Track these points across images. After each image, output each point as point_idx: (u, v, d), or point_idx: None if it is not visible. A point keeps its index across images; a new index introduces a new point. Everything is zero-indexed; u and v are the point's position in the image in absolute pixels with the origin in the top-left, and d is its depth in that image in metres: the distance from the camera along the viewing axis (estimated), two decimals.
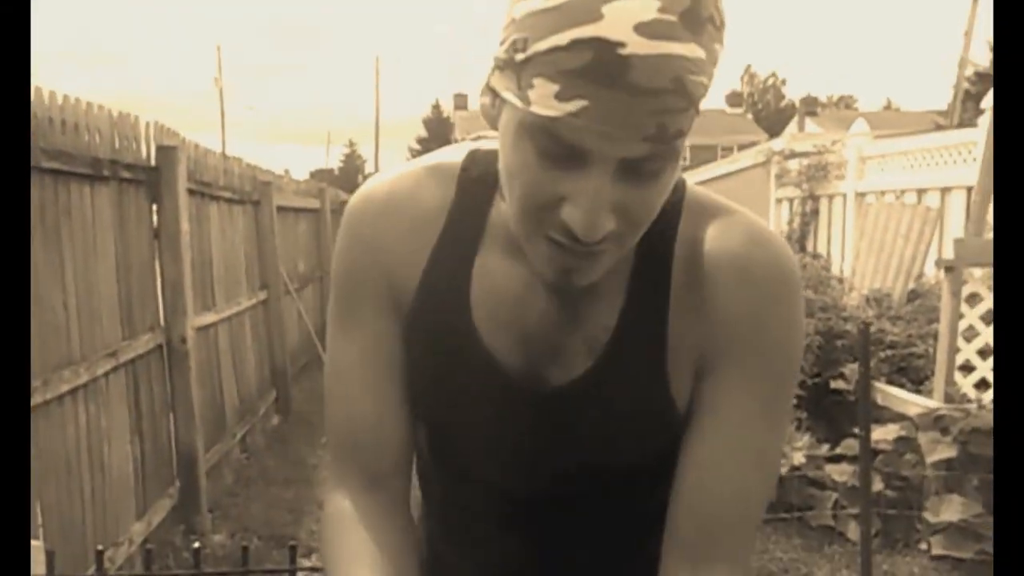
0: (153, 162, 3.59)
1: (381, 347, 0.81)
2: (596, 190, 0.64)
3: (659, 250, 0.76)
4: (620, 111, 0.61)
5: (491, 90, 0.70)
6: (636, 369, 0.76)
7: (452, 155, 0.84)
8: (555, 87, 0.62)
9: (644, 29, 0.59)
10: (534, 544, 0.84)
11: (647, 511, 0.81)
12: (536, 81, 0.63)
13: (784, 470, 3.77)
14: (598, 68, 0.60)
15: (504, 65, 0.66)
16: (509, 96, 0.66)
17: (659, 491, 0.80)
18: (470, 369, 0.78)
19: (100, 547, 1.75)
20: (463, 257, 0.78)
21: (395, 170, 0.84)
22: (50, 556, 1.90)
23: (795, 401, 4.27)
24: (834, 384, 4.29)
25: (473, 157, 0.82)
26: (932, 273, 5.58)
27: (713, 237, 0.75)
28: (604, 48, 0.60)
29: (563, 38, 0.60)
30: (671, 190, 0.72)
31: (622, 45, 0.59)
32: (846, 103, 61.30)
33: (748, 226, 0.76)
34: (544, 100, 0.62)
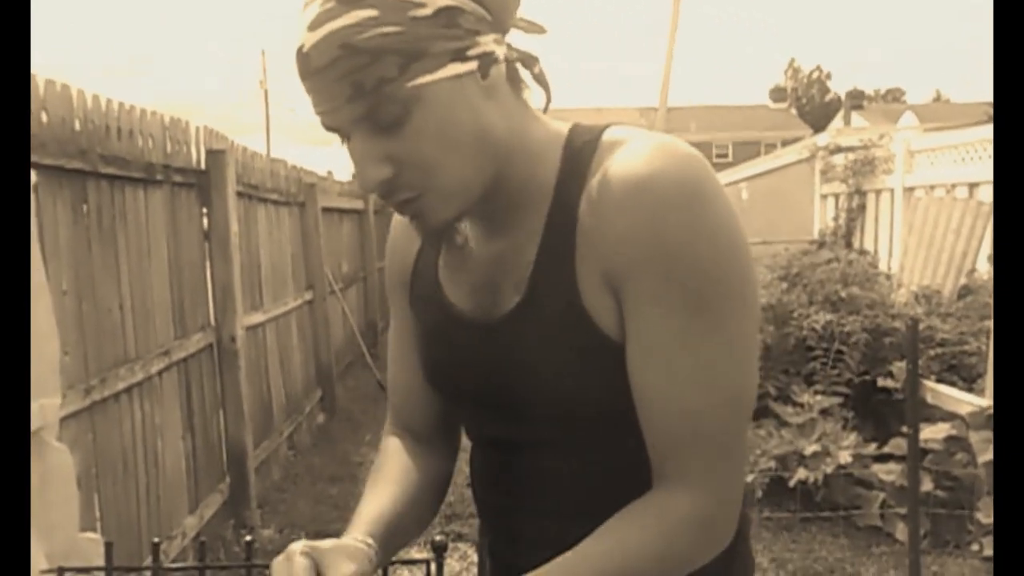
0: (203, 166, 3.68)
1: (405, 328, 1.01)
2: (353, 151, 0.78)
3: (572, 187, 0.82)
4: (317, 91, 0.77)
5: None
6: (554, 299, 0.81)
7: None
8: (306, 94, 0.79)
9: (312, 24, 0.74)
10: (514, 484, 0.92)
11: (617, 457, 0.85)
12: None
13: (830, 469, 3.73)
14: (298, 69, 0.77)
15: None
16: None
17: (624, 437, 0.82)
18: (439, 318, 0.92)
19: (156, 539, 1.81)
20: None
21: None
22: (108, 548, 1.97)
23: (841, 399, 4.22)
24: (881, 382, 4.22)
25: None
26: (984, 269, 5.46)
27: (613, 163, 0.79)
28: (297, 53, 0.76)
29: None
30: (585, 133, 0.83)
31: (302, 47, 0.75)
32: (893, 96, 59.96)
33: (645, 148, 0.78)
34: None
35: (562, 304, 0.80)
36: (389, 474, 0.96)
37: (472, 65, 0.77)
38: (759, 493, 3.90)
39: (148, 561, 1.95)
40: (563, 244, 0.81)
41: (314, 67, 0.75)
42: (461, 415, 0.99)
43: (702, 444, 0.78)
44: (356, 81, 0.74)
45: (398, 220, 1.01)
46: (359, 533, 0.84)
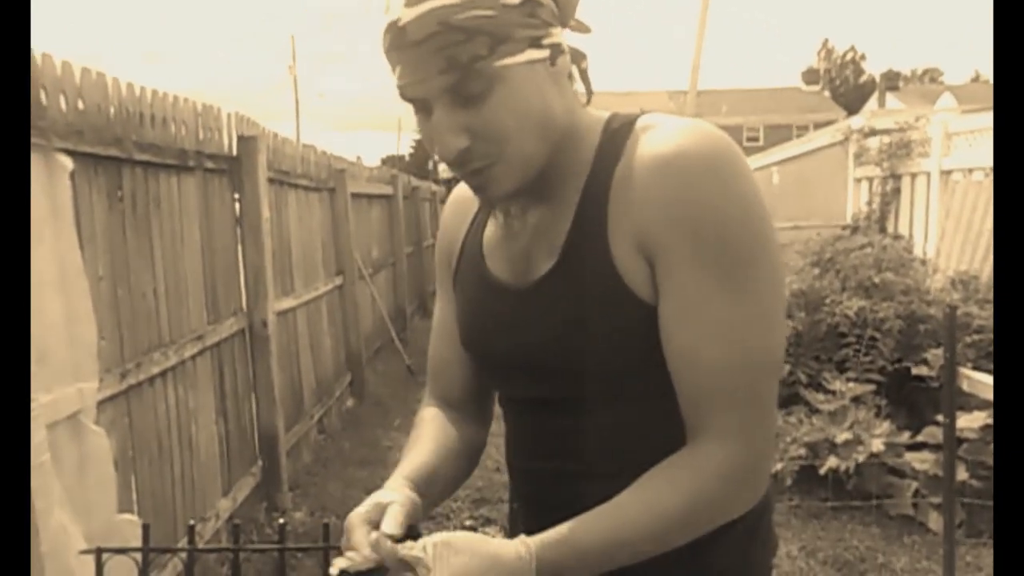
0: (235, 152, 3.71)
1: (448, 304, 1.09)
2: (436, 122, 0.85)
3: (606, 164, 0.89)
4: (409, 63, 0.83)
5: None
6: (586, 262, 0.87)
7: None
8: (391, 66, 0.86)
9: (409, 2, 0.81)
10: (549, 445, 0.96)
11: (649, 415, 0.90)
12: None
13: (862, 457, 3.69)
14: (390, 41, 0.83)
15: None
16: None
17: (654, 394, 0.88)
18: (479, 287, 1.00)
19: (192, 521, 1.84)
20: (484, 219, 1.03)
21: None
22: (145, 529, 2.01)
23: (873, 386, 4.16)
24: (916, 370, 4.15)
25: None
26: None
27: (645, 140, 0.87)
28: (390, 27, 0.83)
29: (381, 31, 0.85)
30: (622, 118, 0.91)
31: (399, 20, 0.82)
32: (930, 76, 58.73)
33: (677, 127, 0.86)
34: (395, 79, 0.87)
35: (594, 266, 0.86)
36: (426, 434, 1.04)
37: (545, 53, 0.86)
38: (789, 481, 3.87)
39: (184, 543, 1.99)
40: (596, 213, 0.87)
41: (410, 40, 0.82)
42: (496, 382, 1.05)
43: (733, 398, 0.83)
44: (450, 55, 0.81)
45: (449, 203, 1.11)
46: (398, 480, 0.93)
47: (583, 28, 0.92)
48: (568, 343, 0.88)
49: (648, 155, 0.85)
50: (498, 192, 0.89)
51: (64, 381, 2.01)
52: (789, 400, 4.43)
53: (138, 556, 1.98)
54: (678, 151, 0.83)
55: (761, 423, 0.84)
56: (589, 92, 0.94)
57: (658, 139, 0.85)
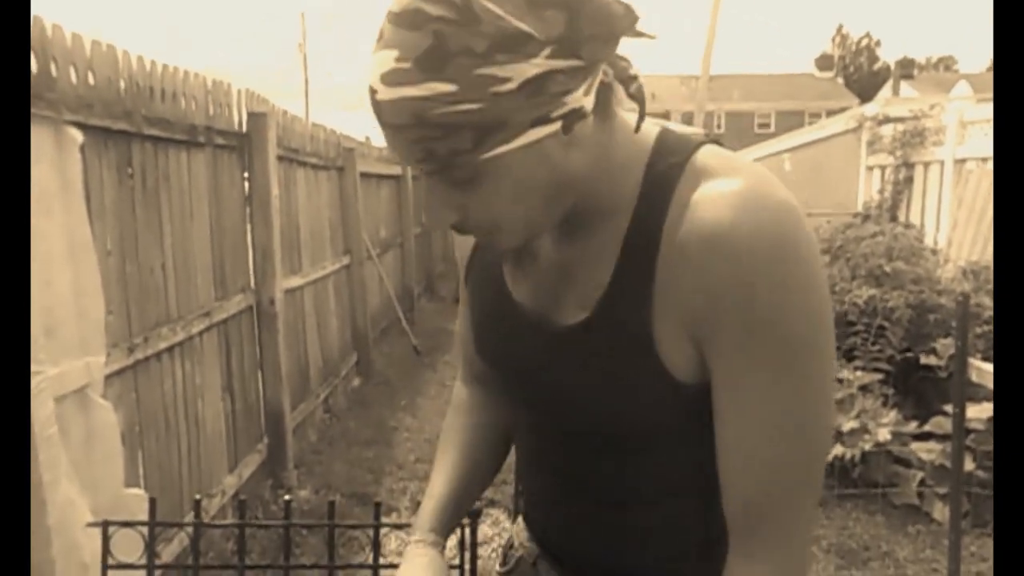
0: (244, 128, 3.70)
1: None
2: (425, 191, 0.79)
3: (653, 214, 0.78)
4: (391, 142, 0.75)
5: None
6: (623, 325, 0.79)
7: None
8: None
9: (386, 78, 0.71)
10: (565, 490, 0.94)
11: (664, 475, 0.86)
12: None
13: (868, 446, 3.68)
14: (372, 108, 0.74)
15: None
16: None
17: (675, 456, 0.84)
18: (498, 306, 0.93)
19: (198, 496, 1.84)
20: None
21: None
22: (152, 504, 2.02)
23: (881, 375, 4.15)
24: (924, 360, 4.14)
25: None
26: None
27: (699, 204, 0.75)
28: (370, 95, 0.73)
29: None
30: (671, 152, 0.80)
31: (375, 92, 0.72)
32: (945, 64, 58.18)
33: (737, 192, 0.75)
34: None
35: (631, 335, 0.79)
36: (457, 439, 1.07)
37: (555, 126, 0.73)
38: None
39: (190, 517, 2.00)
40: (640, 277, 0.78)
41: (386, 120, 0.73)
42: (509, 394, 1.00)
43: (790, 503, 0.79)
44: (427, 149, 0.72)
45: None
46: (425, 531, 0.98)
47: (626, 64, 0.79)
48: (587, 399, 0.84)
49: (706, 226, 0.74)
50: (503, 248, 0.83)
51: (72, 355, 2.01)
52: None
53: (144, 530, 1.99)
54: (738, 228, 0.73)
55: (802, 538, 0.80)
56: (641, 115, 0.80)
57: (716, 205, 0.74)
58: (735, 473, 0.79)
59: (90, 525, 1.94)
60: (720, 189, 0.75)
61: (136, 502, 2.26)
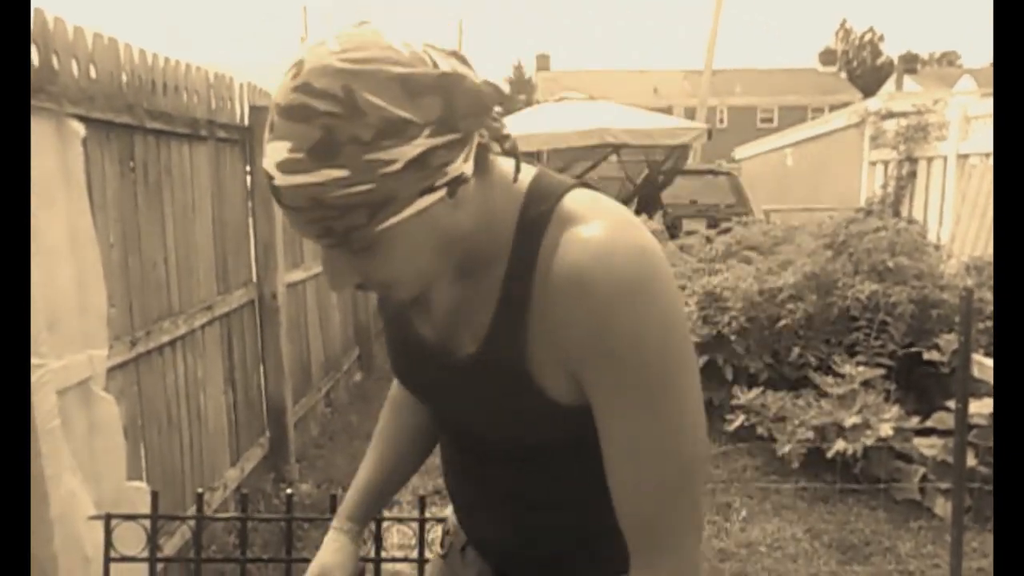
0: (247, 122, 3.69)
1: None
2: (326, 262, 0.87)
3: (526, 259, 0.88)
4: (292, 222, 0.82)
5: None
6: (504, 359, 0.89)
7: None
8: None
9: (282, 167, 0.78)
10: (477, 491, 1.06)
11: (559, 482, 0.97)
12: None
13: (870, 441, 3.68)
14: (272, 194, 0.81)
15: None
16: None
17: (569, 467, 0.95)
18: (405, 335, 1.03)
19: (200, 490, 1.84)
20: None
21: None
22: (154, 496, 2.02)
23: (883, 371, 4.14)
24: (927, 355, 4.13)
25: None
26: None
27: (562, 249, 0.85)
28: (267, 180, 0.80)
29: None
30: (542, 199, 0.88)
31: (272, 178, 0.79)
32: (949, 60, 58.00)
33: (595, 238, 0.83)
34: None
35: (511, 370, 0.89)
36: (386, 435, 1.22)
37: (440, 193, 0.81)
38: (795, 463, 3.87)
39: (192, 511, 2.00)
40: (518, 317, 0.88)
41: (285, 203, 0.80)
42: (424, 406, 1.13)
43: (672, 515, 0.89)
44: (325, 227, 0.80)
45: None
46: (344, 520, 1.17)
47: (501, 126, 0.89)
48: (481, 421, 0.96)
49: (568, 271, 0.83)
50: (402, 300, 0.93)
51: (74, 348, 2.01)
52: (798, 383, 4.42)
53: (147, 523, 2.00)
54: (596, 273, 0.82)
55: (692, 543, 0.90)
56: (517, 168, 0.90)
57: (578, 253, 0.83)
58: (619, 492, 0.89)
59: (92, 518, 1.95)
60: (581, 235, 0.84)
61: (138, 495, 2.26)
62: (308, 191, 0.77)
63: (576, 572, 1.02)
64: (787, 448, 3.89)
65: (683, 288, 5.07)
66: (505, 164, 0.91)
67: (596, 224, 0.84)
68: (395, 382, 1.23)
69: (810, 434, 3.86)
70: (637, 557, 0.91)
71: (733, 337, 4.60)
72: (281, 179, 0.78)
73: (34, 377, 1.62)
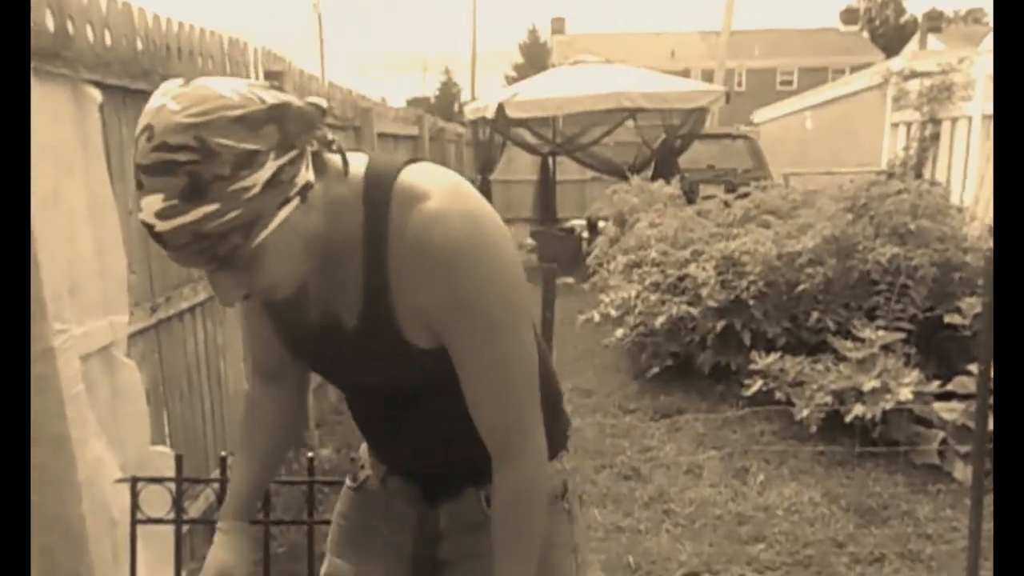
0: None
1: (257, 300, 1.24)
2: (211, 280, 1.00)
3: (376, 239, 1.05)
4: (178, 259, 0.96)
5: None
6: (378, 326, 1.09)
7: None
8: None
9: (161, 215, 0.91)
10: (385, 429, 1.28)
11: (446, 413, 1.16)
12: None
13: (889, 406, 3.66)
14: (154, 239, 0.95)
15: None
16: None
17: (451, 400, 1.13)
18: (297, 321, 1.18)
19: (223, 453, 1.87)
20: None
21: None
22: (178, 460, 2.05)
23: (903, 335, 4.10)
24: (948, 319, 4.09)
25: None
26: None
27: (405, 224, 1.03)
28: (148, 230, 0.94)
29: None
30: (379, 184, 1.05)
31: (153, 227, 0.93)
32: (975, 17, 56.67)
33: (430, 210, 1.02)
34: None
35: (386, 333, 1.09)
36: (248, 439, 1.38)
37: (295, 202, 0.97)
38: (813, 427, 3.86)
39: (216, 473, 2.03)
40: (381, 291, 1.07)
41: (171, 244, 0.93)
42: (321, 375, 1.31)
43: (516, 424, 1.13)
44: (210, 255, 0.94)
45: None
46: (230, 520, 1.33)
47: (326, 141, 1.04)
48: (371, 374, 1.16)
49: (412, 243, 1.02)
50: (281, 297, 1.05)
51: (95, 314, 2.03)
52: (816, 348, 4.39)
53: (172, 486, 2.03)
54: (436, 240, 1.01)
55: (534, 446, 1.15)
56: (345, 164, 1.06)
57: (418, 225, 1.02)
58: (475, 410, 1.13)
59: (119, 481, 1.98)
60: (419, 209, 1.02)
61: (162, 460, 2.29)
62: (189, 229, 0.91)
63: (478, 475, 1.21)
64: (805, 413, 3.89)
65: (700, 253, 5.04)
66: (338, 161, 1.06)
67: (431, 198, 1.02)
68: (247, 391, 1.42)
69: (828, 398, 3.84)
70: (496, 460, 1.15)
71: (751, 302, 4.57)
72: (162, 225, 0.91)
73: (57, 342, 1.63)
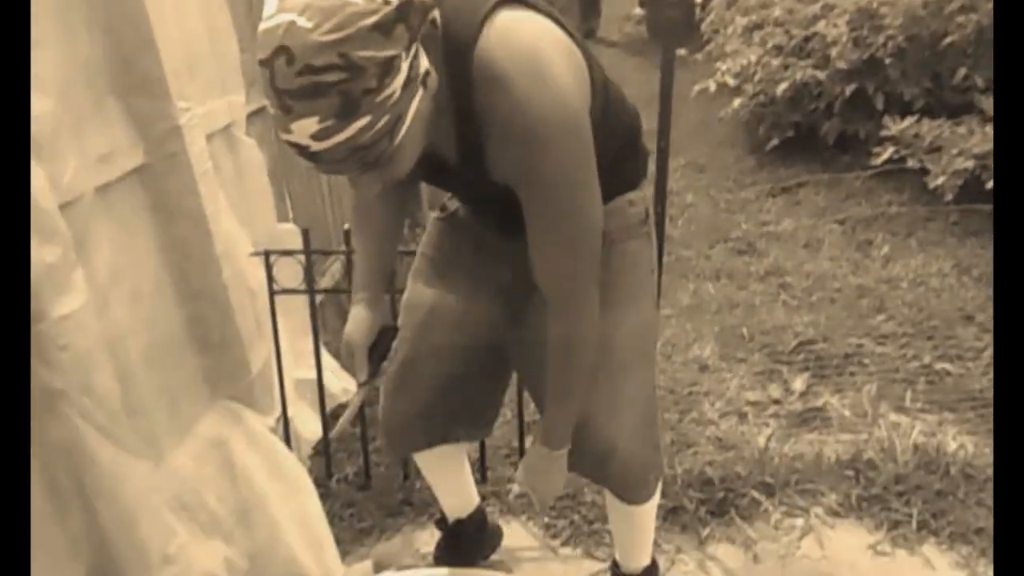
0: None
1: None
2: (352, 183, 1.11)
3: (461, 83, 1.11)
4: (331, 171, 1.04)
5: None
6: (473, 163, 1.19)
7: None
8: None
9: (317, 136, 0.96)
10: (475, 209, 1.48)
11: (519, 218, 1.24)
12: None
13: None
14: (307, 159, 1.01)
15: None
16: None
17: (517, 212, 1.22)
18: (422, 160, 1.20)
19: (347, 226, 1.92)
20: None
21: None
22: (305, 234, 2.12)
23: None
24: None
25: None
26: None
27: (494, 84, 1.08)
28: (300, 151, 0.99)
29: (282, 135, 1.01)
30: (458, 53, 1.09)
31: (308, 147, 0.97)
32: None
33: (511, 96, 1.07)
34: None
35: (478, 165, 1.19)
36: (366, 227, 1.51)
37: (421, 91, 1.02)
38: (949, 196, 3.63)
39: (341, 246, 2.10)
40: (468, 130, 1.15)
41: (327, 161, 0.99)
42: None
43: (570, 279, 1.23)
44: (363, 163, 1.01)
45: None
46: (360, 292, 1.48)
47: (435, 23, 1.07)
48: (475, 187, 1.31)
49: (504, 104, 1.08)
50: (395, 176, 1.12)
51: (214, 94, 2.03)
52: (959, 109, 4.02)
53: (301, 258, 2.12)
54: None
55: (584, 299, 1.25)
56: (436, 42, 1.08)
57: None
58: (534, 260, 1.23)
59: (252, 255, 2.08)
60: (503, 97, 1.08)
61: (289, 236, 2.38)
62: (345, 145, 0.96)
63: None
64: (941, 179, 3.64)
65: (832, 8, 4.57)
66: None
67: (511, 79, 1.07)
68: (353, 202, 1.52)
69: (969, 163, 3.56)
70: (550, 306, 1.25)
71: (888, 60, 4.18)
72: (318, 145, 0.96)
73: (183, 120, 1.65)
